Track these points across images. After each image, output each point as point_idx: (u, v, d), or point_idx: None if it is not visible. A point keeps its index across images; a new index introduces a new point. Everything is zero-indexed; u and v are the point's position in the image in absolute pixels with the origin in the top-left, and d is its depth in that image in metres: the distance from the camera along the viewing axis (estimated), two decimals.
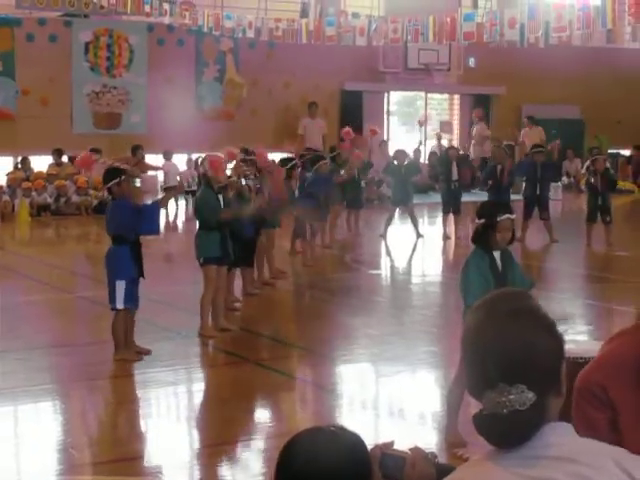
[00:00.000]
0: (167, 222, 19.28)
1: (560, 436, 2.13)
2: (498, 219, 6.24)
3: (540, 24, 14.56)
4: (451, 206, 16.44)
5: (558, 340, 2.19)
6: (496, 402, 2.10)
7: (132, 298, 8.26)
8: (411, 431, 6.50)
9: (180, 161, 22.88)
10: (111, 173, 8.38)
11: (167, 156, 21.95)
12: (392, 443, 2.60)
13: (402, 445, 2.64)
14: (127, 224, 8.18)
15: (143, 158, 21.07)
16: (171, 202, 20.28)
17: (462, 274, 6.36)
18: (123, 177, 8.25)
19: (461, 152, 24.54)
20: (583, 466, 2.08)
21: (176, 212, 20.47)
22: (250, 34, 19.41)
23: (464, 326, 2.24)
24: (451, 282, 10.29)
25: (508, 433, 2.11)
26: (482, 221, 6.31)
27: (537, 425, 2.11)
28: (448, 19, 15.70)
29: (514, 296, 2.25)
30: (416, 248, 15.75)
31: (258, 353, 8.60)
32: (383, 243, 15.93)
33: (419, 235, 16.08)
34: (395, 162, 16.49)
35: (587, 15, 13.98)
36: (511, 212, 6.37)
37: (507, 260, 6.38)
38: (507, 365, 2.10)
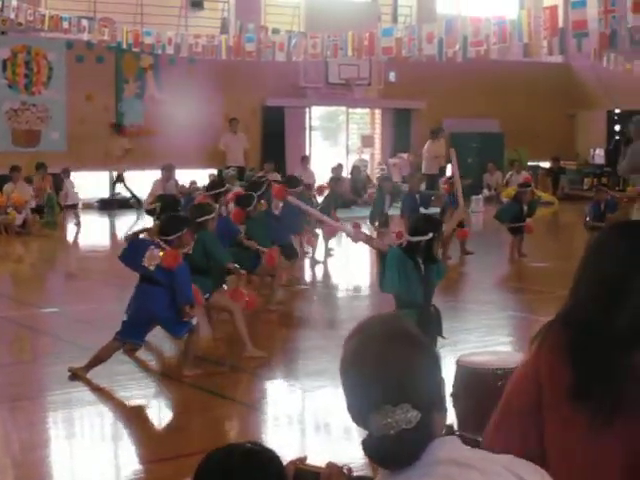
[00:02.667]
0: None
1: (449, 450, 2.17)
2: (441, 232, 6.60)
3: (458, 38, 14.71)
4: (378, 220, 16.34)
5: (434, 358, 2.25)
6: (383, 424, 2.12)
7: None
8: (337, 445, 6.50)
9: (100, 178, 22.74)
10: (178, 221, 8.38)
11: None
12: (306, 458, 2.63)
13: (324, 460, 2.65)
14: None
15: (46, 175, 20.66)
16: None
17: (383, 266, 6.59)
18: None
19: (384, 169, 24.75)
20: (473, 470, 2.12)
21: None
22: (170, 50, 19.32)
23: (342, 354, 2.27)
24: (377, 296, 10.33)
25: (398, 453, 2.14)
26: (430, 235, 6.56)
27: (425, 442, 2.15)
28: (367, 34, 15.79)
29: (388, 320, 2.30)
30: (347, 263, 15.79)
31: (180, 370, 8.53)
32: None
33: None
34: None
35: (503, 29, 14.17)
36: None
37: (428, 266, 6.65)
38: (390, 387, 2.13)
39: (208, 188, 12.92)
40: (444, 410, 2.24)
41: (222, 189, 12.53)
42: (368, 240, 7.64)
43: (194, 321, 8.34)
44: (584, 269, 2.89)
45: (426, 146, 23.54)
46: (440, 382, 2.23)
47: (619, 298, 2.75)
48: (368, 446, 2.16)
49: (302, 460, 2.67)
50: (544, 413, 2.78)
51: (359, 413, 2.19)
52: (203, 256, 9.01)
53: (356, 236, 7.52)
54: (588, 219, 15.39)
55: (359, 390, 2.18)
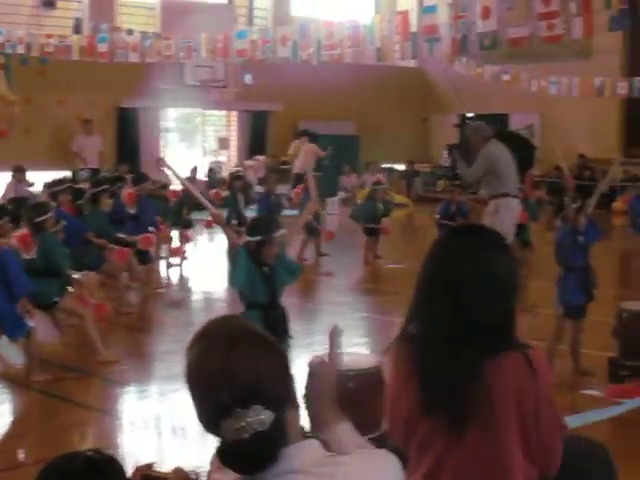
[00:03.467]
0: None
1: (305, 458, 2.15)
2: (273, 235, 6.38)
3: (312, 42, 14.80)
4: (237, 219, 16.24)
5: (281, 356, 2.23)
6: (236, 429, 2.09)
7: None
8: (192, 450, 6.46)
9: None
10: None
11: None
12: (153, 464, 2.60)
13: (179, 465, 2.64)
14: None
15: None
16: None
17: (234, 262, 6.54)
18: None
19: (239, 169, 24.72)
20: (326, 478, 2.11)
21: None
22: (21, 50, 18.89)
23: (187, 361, 2.22)
24: (233, 298, 10.32)
25: (255, 457, 2.11)
26: (257, 238, 6.41)
27: (282, 443, 2.12)
28: (221, 36, 15.76)
29: (230, 322, 2.28)
30: (203, 266, 15.70)
31: (28, 376, 8.35)
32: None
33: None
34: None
35: (356, 33, 14.33)
36: (282, 227, 6.54)
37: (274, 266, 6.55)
38: (238, 389, 2.10)
39: (48, 186, 12.73)
40: (298, 407, 2.22)
41: (61, 187, 12.26)
42: (225, 228, 7.62)
43: (31, 323, 8.17)
44: (420, 275, 2.97)
45: (292, 146, 23.88)
46: (290, 380, 2.21)
47: (453, 302, 2.83)
48: (223, 453, 2.13)
49: (149, 466, 2.64)
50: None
51: (209, 420, 2.15)
52: (44, 259, 8.83)
53: (217, 218, 7.60)
54: (438, 216, 15.67)
55: (207, 396, 2.14)
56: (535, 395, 2.79)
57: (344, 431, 2.46)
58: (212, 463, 2.24)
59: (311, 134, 24.13)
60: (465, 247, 2.88)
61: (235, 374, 2.11)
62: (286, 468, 2.11)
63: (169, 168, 9.92)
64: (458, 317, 2.79)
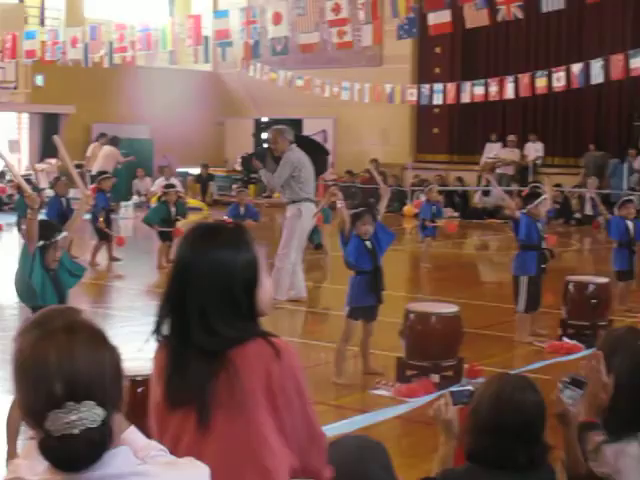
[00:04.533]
0: None
1: (118, 465, 2.11)
2: (54, 239, 6.30)
3: (103, 44, 14.62)
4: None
5: (115, 353, 2.17)
6: (65, 423, 2.00)
7: None
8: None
9: None
10: None
11: None
12: None
13: None
14: None
15: None
16: None
17: (20, 275, 6.36)
18: None
19: (30, 173, 24.16)
20: None
21: None
22: None
23: (14, 348, 2.13)
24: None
25: (81, 454, 2.03)
26: (40, 243, 6.28)
27: (107, 442, 2.06)
28: (10, 36, 15.36)
29: (66, 312, 2.20)
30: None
31: None
32: None
33: None
34: None
35: (148, 36, 14.24)
36: (62, 231, 6.47)
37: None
38: (74, 383, 2.03)
39: None
40: (121, 411, 2.16)
41: None
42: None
43: None
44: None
45: (90, 148, 23.58)
46: (122, 381, 2.15)
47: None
48: (46, 446, 2.02)
49: None
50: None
51: (34, 410, 2.04)
52: None
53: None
54: (226, 217, 15.70)
55: (38, 385, 2.03)
56: (279, 374, 2.84)
57: (132, 436, 2.43)
58: (24, 450, 2.18)
59: (113, 138, 23.80)
60: (198, 246, 2.95)
61: (71, 366, 2.03)
62: (103, 472, 2.06)
63: None
64: (197, 316, 2.85)
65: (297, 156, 11.76)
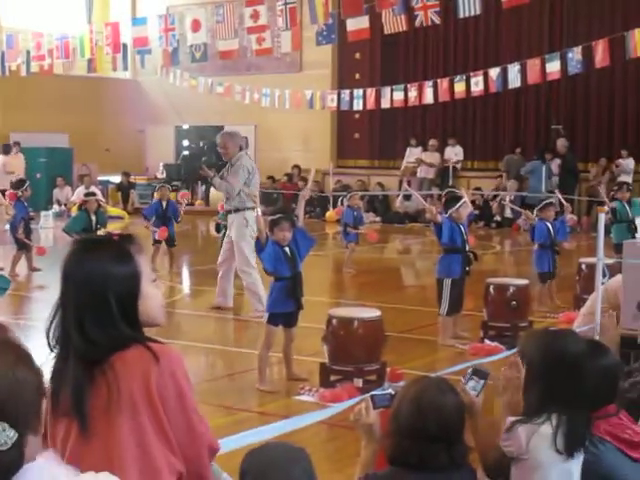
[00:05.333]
0: None
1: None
2: None
3: (20, 52, 14.45)
4: None
5: (37, 374, 2.14)
6: None
7: None
8: None
9: None
10: None
11: None
12: None
13: None
14: None
15: None
16: None
17: None
18: None
19: None
20: None
21: None
22: None
23: None
24: None
25: None
26: None
27: (18, 466, 2.02)
28: None
29: None
30: None
31: None
32: None
33: None
34: None
35: (66, 44, 14.10)
36: None
37: None
38: None
39: None
40: (39, 433, 2.12)
41: None
42: None
43: None
44: None
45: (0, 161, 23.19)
46: (40, 402, 2.11)
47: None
48: None
49: None
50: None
51: None
52: None
53: None
54: (147, 218, 15.66)
55: None
56: (158, 378, 2.86)
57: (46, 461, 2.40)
58: None
59: (4, 145, 23.38)
60: (77, 258, 2.98)
61: None
62: None
63: None
64: (75, 326, 2.89)
65: (250, 162, 11.76)
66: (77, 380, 2.85)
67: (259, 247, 8.27)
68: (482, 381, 3.86)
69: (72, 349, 2.90)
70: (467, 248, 10.14)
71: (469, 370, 3.95)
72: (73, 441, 2.85)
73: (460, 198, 10.42)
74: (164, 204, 15.45)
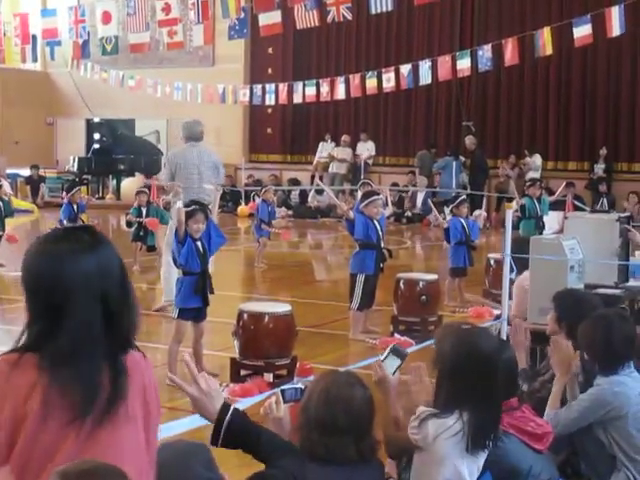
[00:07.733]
0: None
1: None
2: None
3: None
4: None
5: None
6: None
7: None
8: None
9: None
10: None
11: None
12: None
13: None
14: None
15: None
16: None
17: None
18: None
19: None
20: None
21: None
22: None
23: None
24: None
25: None
26: None
27: None
28: None
29: None
30: None
31: None
32: None
33: None
34: None
35: None
36: None
37: None
38: None
39: None
40: None
41: None
42: None
43: None
44: None
45: None
46: None
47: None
48: None
49: None
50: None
51: None
52: None
53: None
54: (61, 219, 15.47)
55: None
56: (150, 388, 2.88)
57: None
58: None
59: None
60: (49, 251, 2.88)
61: None
62: None
63: None
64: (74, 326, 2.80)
65: (180, 155, 11.84)
66: (92, 378, 2.75)
67: (177, 239, 8.24)
68: (399, 361, 3.96)
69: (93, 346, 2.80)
70: (382, 245, 10.20)
71: (389, 347, 4.06)
72: (71, 443, 2.72)
73: (375, 193, 10.48)
74: (74, 207, 15.34)
